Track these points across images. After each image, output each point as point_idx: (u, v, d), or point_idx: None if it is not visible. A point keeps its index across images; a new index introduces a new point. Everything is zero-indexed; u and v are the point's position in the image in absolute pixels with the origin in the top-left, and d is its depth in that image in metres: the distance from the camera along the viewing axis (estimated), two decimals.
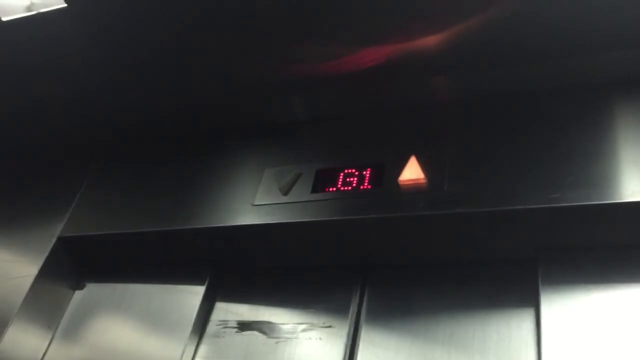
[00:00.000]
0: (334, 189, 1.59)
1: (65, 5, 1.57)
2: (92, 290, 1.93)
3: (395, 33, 1.52)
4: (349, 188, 1.58)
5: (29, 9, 1.63)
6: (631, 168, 1.31)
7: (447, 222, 1.44)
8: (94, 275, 1.95)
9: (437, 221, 1.45)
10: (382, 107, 1.71)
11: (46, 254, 1.86)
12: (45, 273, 1.85)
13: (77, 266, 1.94)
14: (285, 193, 1.64)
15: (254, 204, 1.66)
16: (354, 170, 1.60)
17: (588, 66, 1.46)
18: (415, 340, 1.49)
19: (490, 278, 1.50)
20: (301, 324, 1.63)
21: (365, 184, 1.56)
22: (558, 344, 1.28)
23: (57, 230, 1.91)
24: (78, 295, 1.93)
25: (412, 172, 1.51)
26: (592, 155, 1.36)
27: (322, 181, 1.62)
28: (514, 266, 1.47)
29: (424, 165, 1.51)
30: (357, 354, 1.52)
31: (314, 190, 1.62)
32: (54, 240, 1.88)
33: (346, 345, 1.54)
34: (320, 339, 1.58)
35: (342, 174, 1.61)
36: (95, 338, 1.81)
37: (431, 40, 1.51)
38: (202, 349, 1.70)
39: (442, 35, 1.50)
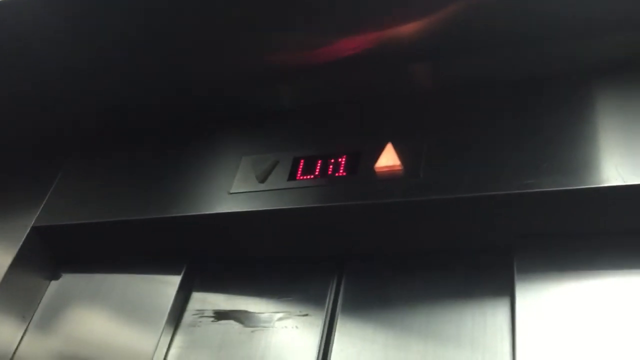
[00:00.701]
0: (311, 176, 1.59)
1: None
2: (68, 281, 1.91)
3: (375, 21, 1.51)
4: (326, 175, 1.56)
5: None
6: (608, 154, 1.31)
7: (423, 209, 1.44)
8: (69, 266, 1.92)
9: (412, 208, 1.44)
10: (360, 95, 1.70)
11: (20, 243, 1.83)
12: (19, 263, 1.82)
13: (52, 256, 1.91)
14: (262, 181, 1.63)
15: (230, 192, 1.65)
16: (330, 158, 1.58)
17: (566, 53, 1.46)
18: (391, 328, 1.48)
19: (466, 266, 1.49)
20: (277, 312, 1.62)
21: (342, 171, 1.55)
22: (532, 332, 1.28)
23: (31, 219, 1.88)
24: (53, 285, 1.91)
25: (388, 159, 1.50)
26: (568, 141, 1.35)
27: (299, 169, 1.61)
28: (490, 254, 1.46)
29: (400, 152, 1.50)
30: (333, 342, 1.51)
31: (291, 177, 1.60)
32: (28, 230, 1.85)
33: (322, 334, 1.53)
34: (297, 327, 1.57)
35: (319, 162, 1.60)
36: (71, 328, 1.79)
37: (410, 28, 1.51)
38: (178, 338, 1.68)
39: (421, 22, 1.49)
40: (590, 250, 1.34)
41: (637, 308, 1.24)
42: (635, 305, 1.25)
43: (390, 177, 1.48)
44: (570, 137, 1.35)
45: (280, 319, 1.60)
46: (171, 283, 1.73)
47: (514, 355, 1.29)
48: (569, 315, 1.28)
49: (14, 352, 1.79)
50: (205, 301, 1.73)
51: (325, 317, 1.56)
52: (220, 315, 1.68)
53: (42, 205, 1.90)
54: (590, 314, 1.27)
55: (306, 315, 1.58)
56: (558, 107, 1.42)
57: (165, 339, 1.66)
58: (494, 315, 1.41)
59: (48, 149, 2.06)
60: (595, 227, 1.34)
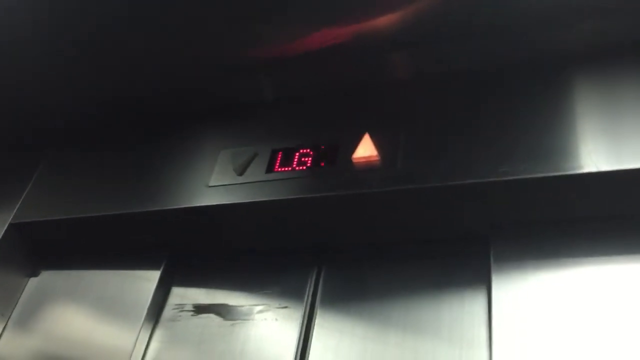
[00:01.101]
0: (289, 168, 1.58)
1: None
2: (47, 278, 1.89)
3: (352, 12, 1.51)
4: (304, 167, 1.56)
5: None
6: (582, 141, 1.31)
7: (400, 199, 1.44)
8: (48, 262, 1.91)
9: (390, 198, 1.44)
10: (338, 86, 1.69)
11: None
12: None
13: (31, 253, 1.90)
14: (240, 173, 1.62)
15: (209, 185, 1.64)
16: (308, 150, 1.58)
17: (542, 41, 1.47)
18: (370, 319, 1.48)
19: (443, 256, 1.50)
20: (257, 305, 1.61)
21: (320, 162, 1.55)
22: (508, 321, 1.28)
23: (9, 216, 1.86)
24: (32, 282, 1.89)
25: (365, 149, 1.50)
26: (543, 129, 1.36)
27: (277, 161, 1.60)
28: (467, 243, 1.47)
29: (377, 142, 1.50)
30: (312, 334, 1.51)
31: (269, 169, 1.60)
32: (5, 226, 1.84)
33: (301, 326, 1.52)
34: (276, 319, 1.57)
35: (297, 154, 1.59)
36: (50, 325, 1.78)
37: (387, 19, 1.51)
38: (158, 333, 1.68)
39: (397, 13, 1.49)
40: (566, 238, 1.35)
41: (613, 294, 1.25)
42: (612, 291, 1.26)
43: (367, 167, 1.48)
44: (544, 124, 1.36)
45: (260, 311, 1.60)
46: (150, 278, 1.73)
47: (490, 344, 1.29)
48: (546, 303, 1.28)
49: None
50: (184, 295, 1.73)
51: (305, 309, 1.55)
52: (200, 309, 1.67)
53: (20, 201, 1.89)
54: (566, 302, 1.27)
55: (286, 307, 1.58)
56: (533, 95, 1.42)
57: (145, 334, 1.65)
58: (472, 304, 1.41)
59: (26, 144, 2.04)
60: (570, 214, 1.35)
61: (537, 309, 1.28)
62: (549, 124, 1.36)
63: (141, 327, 1.64)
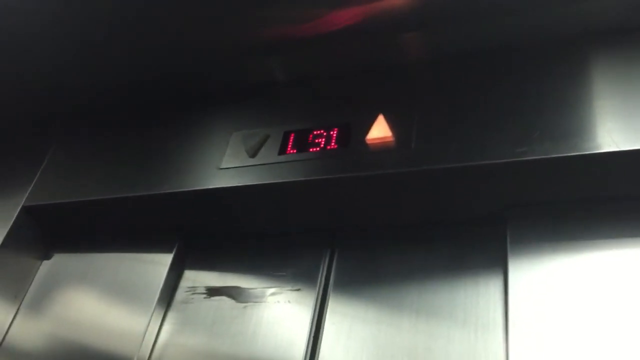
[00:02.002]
0: (302, 150, 1.56)
1: None
2: (59, 260, 1.89)
3: None
4: (317, 149, 1.54)
5: None
6: (601, 120, 1.28)
7: (415, 180, 1.41)
8: (60, 245, 1.91)
9: (404, 179, 1.42)
10: (351, 67, 1.67)
11: (10, 223, 1.81)
12: (10, 243, 1.81)
13: (44, 235, 1.90)
14: (253, 155, 1.61)
15: (221, 167, 1.63)
16: (322, 131, 1.56)
17: (559, 18, 1.43)
18: (383, 302, 1.47)
19: (458, 238, 1.48)
20: (270, 287, 1.60)
21: (333, 144, 1.53)
22: (525, 304, 1.26)
23: (21, 199, 1.86)
24: (45, 265, 1.90)
25: (379, 130, 1.48)
26: (560, 108, 1.33)
27: (290, 142, 1.59)
28: (483, 225, 1.44)
29: (391, 123, 1.48)
30: (325, 317, 1.50)
31: (282, 151, 1.58)
32: (18, 210, 1.83)
33: (314, 308, 1.51)
34: (289, 302, 1.56)
35: (310, 135, 1.57)
36: (62, 309, 1.78)
37: None
38: (170, 316, 1.67)
39: None
40: (584, 219, 1.32)
41: (633, 277, 1.23)
42: (631, 274, 1.23)
43: (382, 148, 1.46)
44: (562, 103, 1.33)
45: (272, 294, 1.59)
46: (163, 261, 1.72)
47: (506, 328, 1.28)
48: (563, 285, 1.26)
49: (6, 332, 1.78)
50: (196, 278, 1.72)
51: (318, 291, 1.54)
52: (212, 291, 1.67)
53: (32, 185, 1.88)
54: (585, 284, 1.25)
55: (298, 290, 1.57)
56: (550, 74, 1.40)
57: (157, 317, 1.65)
58: (487, 287, 1.39)
59: (38, 127, 2.04)
60: (589, 194, 1.32)
61: (554, 292, 1.26)
62: (566, 103, 1.34)
63: (153, 310, 1.63)
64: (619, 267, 1.25)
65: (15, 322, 1.80)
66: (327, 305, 1.52)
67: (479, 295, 1.39)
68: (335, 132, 1.54)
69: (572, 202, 1.34)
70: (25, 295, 1.84)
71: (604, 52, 1.39)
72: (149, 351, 1.61)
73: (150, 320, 1.62)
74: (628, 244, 1.28)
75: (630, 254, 1.26)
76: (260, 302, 1.59)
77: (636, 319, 1.18)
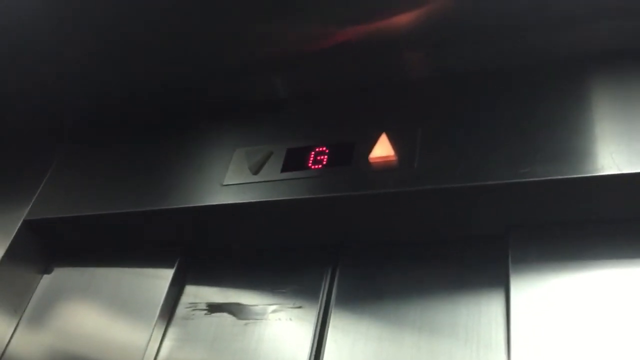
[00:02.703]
0: (305, 167, 1.57)
1: None
2: (60, 274, 1.89)
3: (369, 10, 1.50)
4: (320, 166, 1.55)
5: None
6: (602, 142, 1.30)
7: (417, 199, 1.42)
8: (61, 259, 1.91)
9: (407, 198, 1.43)
10: (355, 85, 1.69)
11: (11, 237, 1.81)
12: (11, 257, 1.80)
13: (44, 249, 1.89)
14: (255, 172, 1.61)
15: (223, 183, 1.63)
16: (324, 149, 1.57)
17: (563, 40, 1.45)
18: (385, 320, 1.47)
19: (460, 256, 1.48)
20: (271, 304, 1.61)
21: (336, 162, 1.54)
22: (527, 322, 1.27)
23: (23, 213, 1.86)
24: (45, 279, 1.89)
25: (382, 149, 1.49)
26: (563, 129, 1.34)
27: (293, 160, 1.60)
28: (485, 244, 1.45)
29: (394, 142, 1.49)
30: (327, 334, 1.50)
31: (285, 169, 1.59)
32: (19, 224, 1.83)
33: (316, 326, 1.52)
34: (290, 319, 1.56)
35: (312, 153, 1.58)
36: (63, 323, 1.78)
37: (404, 17, 1.50)
38: (171, 331, 1.67)
39: (414, 12, 1.48)
40: (586, 240, 1.34)
41: (633, 298, 1.24)
42: (631, 295, 1.24)
43: (384, 167, 1.47)
44: (565, 125, 1.35)
45: (274, 311, 1.59)
46: (164, 276, 1.72)
47: (508, 346, 1.28)
48: (565, 305, 1.27)
49: (6, 347, 1.77)
50: (198, 294, 1.72)
51: (319, 309, 1.54)
52: (214, 308, 1.67)
53: (34, 199, 1.88)
54: (586, 304, 1.26)
55: (300, 307, 1.57)
56: (553, 95, 1.41)
57: (158, 333, 1.65)
58: (489, 305, 1.40)
59: (41, 141, 2.04)
60: (591, 216, 1.33)
61: (556, 312, 1.27)
62: (568, 125, 1.35)
63: (154, 325, 1.63)
64: (619, 287, 1.26)
65: (15, 336, 1.79)
66: (329, 322, 1.52)
67: (481, 314, 1.39)
68: (338, 150, 1.55)
69: (573, 223, 1.35)
70: (25, 309, 1.83)
71: (607, 74, 1.40)
72: None
73: (151, 335, 1.62)
74: (628, 265, 1.29)
75: (630, 275, 1.27)
76: (262, 319, 1.59)
77: (635, 336, 1.19)
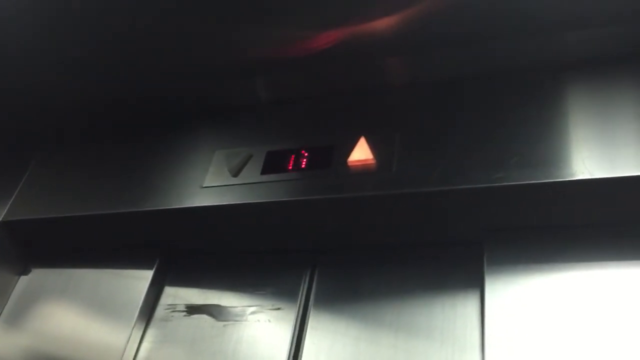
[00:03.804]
0: (285, 170, 1.58)
1: None
2: (38, 276, 1.89)
3: (349, 15, 1.51)
4: (299, 169, 1.57)
5: None
6: (575, 148, 1.32)
7: (395, 203, 1.44)
8: (39, 260, 1.90)
9: (385, 202, 1.45)
10: (334, 89, 1.70)
11: None
12: None
13: (22, 251, 1.89)
14: (235, 175, 1.62)
15: (203, 186, 1.64)
16: (304, 152, 1.59)
17: (535, 47, 1.47)
18: (363, 321, 1.49)
19: (437, 259, 1.51)
20: (250, 306, 1.62)
21: (315, 165, 1.55)
22: (501, 324, 1.29)
23: (0, 214, 1.85)
24: (23, 280, 1.89)
25: (361, 153, 1.51)
26: (537, 135, 1.37)
27: (273, 162, 1.61)
28: (461, 247, 1.48)
29: (373, 146, 1.51)
30: (305, 336, 1.51)
31: (264, 171, 1.60)
32: None
33: (294, 327, 1.53)
34: (269, 321, 1.57)
35: (292, 156, 1.59)
36: (41, 324, 1.78)
37: (383, 23, 1.51)
38: (150, 333, 1.68)
39: (393, 17, 1.49)
40: (558, 243, 1.36)
41: (605, 300, 1.27)
42: (603, 297, 1.27)
43: (363, 171, 1.48)
44: (539, 131, 1.37)
45: (252, 312, 1.60)
46: (143, 277, 1.73)
47: (483, 347, 1.31)
48: (538, 307, 1.30)
49: None
50: (177, 295, 1.73)
51: (298, 310, 1.56)
52: (193, 309, 1.68)
53: (12, 200, 1.88)
54: (559, 306, 1.29)
55: (279, 309, 1.58)
56: (527, 101, 1.44)
57: (137, 334, 1.65)
58: (464, 307, 1.42)
59: (18, 142, 2.03)
60: (563, 220, 1.36)
61: (529, 313, 1.29)
62: (542, 130, 1.38)
63: (133, 327, 1.64)
64: (592, 290, 1.29)
65: None
66: (307, 324, 1.53)
67: (457, 315, 1.42)
68: (317, 154, 1.56)
69: (546, 226, 1.38)
70: (2, 310, 1.83)
71: (582, 81, 1.43)
72: None
73: (130, 336, 1.63)
74: (600, 267, 1.32)
75: (603, 277, 1.30)
76: (241, 320, 1.60)
77: (608, 338, 1.22)
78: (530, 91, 1.45)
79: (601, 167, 1.27)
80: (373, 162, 1.48)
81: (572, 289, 1.30)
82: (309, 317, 1.54)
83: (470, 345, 1.37)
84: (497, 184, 1.33)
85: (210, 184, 1.63)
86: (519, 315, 1.30)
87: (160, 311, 1.71)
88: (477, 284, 1.42)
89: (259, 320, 1.58)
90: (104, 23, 1.62)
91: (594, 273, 1.31)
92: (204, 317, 1.65)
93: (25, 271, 1.90)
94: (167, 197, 1.67)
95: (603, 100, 1.39)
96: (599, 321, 1.24)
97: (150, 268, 1.74)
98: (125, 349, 1.61)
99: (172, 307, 1.70)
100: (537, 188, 1.31)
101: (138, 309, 1.66)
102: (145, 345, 1.66)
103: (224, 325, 1.61)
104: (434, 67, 1.59)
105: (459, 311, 1.42)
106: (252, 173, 1.61)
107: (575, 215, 1.35)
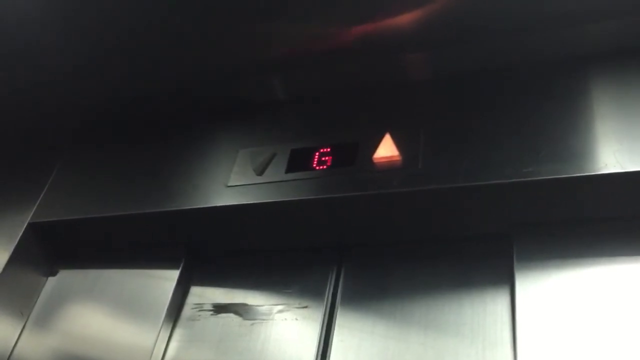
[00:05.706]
0: (309, 168, 1.58)
1: None
2: (65, 277, 1.90)
3: (372, 11, 1.50)
4: (324, 167, 1.56)
5: None
6: (605, 141, 1.31)
7: (422, 199, 1.44)
8: (66, 261, 1.91)
9: (411, 198, 1.44)
10: (357, 86, 1.69)
11: (16, 240, 1.82)
12: (16, 260, 1.81)
13: (49, 252, 1.90)
14: (260, 173, 1.62)
15: (228, 185, 1.64)
16: (328, 149, 1.58)
17: (563, 40, 1.46)
18: (391, 319, 1.48)
19: (465, 255, 1.50)
20: (277, 305, 1.62)
21: (340, 162, 1.55)
22: (532, 320, 1.28)
23: (27, 216, 1.86)
24: (51, 281, 1.90)
25: (386, 149, 1.50)
26: (567, 128, 1.36)
27: (297, 161, 1.60)
28: (490, 242, 1.46)
29: (398, 142, 1.50)
30: (333, 334, 1.51)
31: (289, 170, 1.60)
32: (24, 227, 1.84)
33: (322, 325, 1.53)
34: (296, 319, 1.57)
35: (317, 153, 1.59)
36: (69, 324, 1.78)
37: (407, 18, 1.51)
38: (177, 332, 1.68)
39: (417, 12, 1.49)
40: (589, 238, 1.35)
41: (637, 294, 1.25)
42: (636, 291, 1.25)
43: (388, 167, 1.48)
44: (568, 124, 1.36)
45: (279, 311, 1.60)
46: (169, 277, 1.73)
47: (514, 344, 1.29)
48: (569, 302, 1.28)
49: (12, 349, 1.78)
50: (203, 295, 1.73)
51: (325, 308, 1.55)
52: (220, 308, 1.68)
53: (38, 201, 1.89)
54: (590, 301, 1.27)
55: (306, 307, 1.58)
56: (556, 94, 1.42)
57: (165, 334, 1.66)
58: (494, 303, 1.41)
59: (44, 143, 2.04)
60: (594, 214, 1.35)
61: (561, 309, 1.28)
62: (571, 124, 1.36)
63: (161, 327, 1.64)
64: (623, 284, 1.27)
65: (21, 338, 1.80)
66: (335, 322, 1.53)
67: (486, 312, 1.40)
68: (342, 151, 1.56)
69: (576, 220, 1.37)
70: (31, 311, 1.84)
71: (609, 73, 1.42)
72: None
73: (158, 336, 1.63)
74: (633, 262, 1.30)
75: (634, 272, 1.28)
76: (268, 319, 1.60)
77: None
78: (558, 83, 1.44)
79: (632, 160, 1.26)
80: (399, 158, 1.48)
81: (603, 283, 1.29)
82: (336, 315, 1.54)
83: (500, 342, 1.36)
84: (526, 179, 1.31)
85: (235, 183, 1.63)
86: (550, 311, 1.28)
87: (187, 311, 1.71)
88: (506, 280, 1.40)
89: (286, 319, 1.58)
90: (128, 22, 1.62)
91: (626, 267, 1.30)
92: (231, 316, 1.65)
93: (52, 272, 1.91)
94: (193, 196, 1.68)
95: (632, 92, 1.37)
96: (632, 316, 1.23)
97: (176, 268, 1.74)
98: (153, 349, 1.61)
99: (199, 307, 1.71)
100: (566, 182, 1.29)
101: (165, 309, 1.66)
102: (173, 344, 1.66)
103: (252, 324, 1.61)
104: (457, 61, 1.58)
105: (488, 307, 1.41)
106: (276, 171, 1.61)
107: (605, 209, 1.33)
